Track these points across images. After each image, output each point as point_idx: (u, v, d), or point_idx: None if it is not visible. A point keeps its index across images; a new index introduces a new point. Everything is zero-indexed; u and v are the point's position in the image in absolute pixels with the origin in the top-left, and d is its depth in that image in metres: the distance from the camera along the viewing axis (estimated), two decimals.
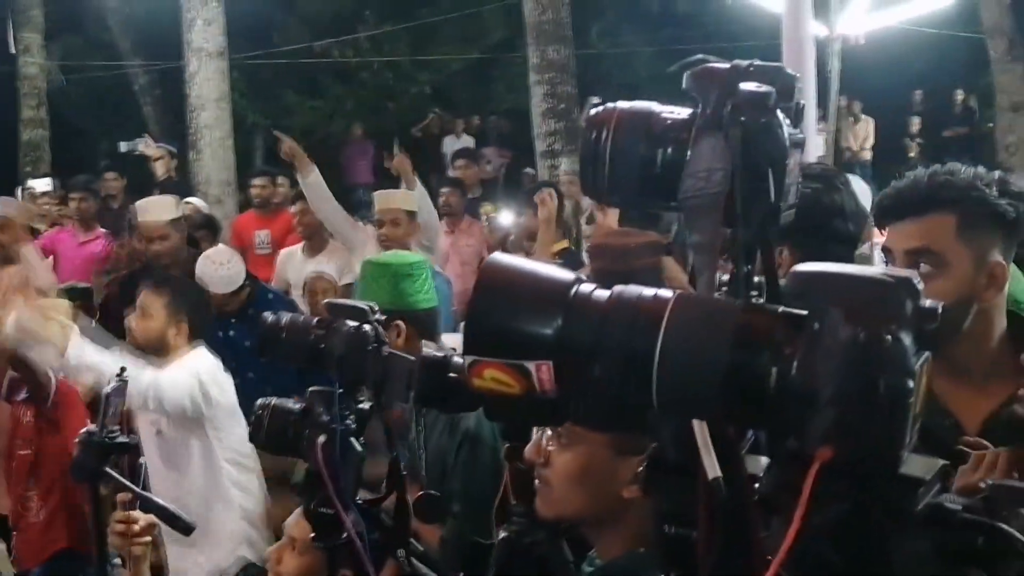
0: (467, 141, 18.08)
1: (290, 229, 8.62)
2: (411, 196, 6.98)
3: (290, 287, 7.62)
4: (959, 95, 19.28)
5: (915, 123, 19.35)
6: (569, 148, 12.25)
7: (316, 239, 7.83)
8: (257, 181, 9.81)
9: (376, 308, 2.49)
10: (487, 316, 1.13)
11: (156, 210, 6.63)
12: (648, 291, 1.12)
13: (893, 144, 18.66)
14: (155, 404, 4.43)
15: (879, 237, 3.95)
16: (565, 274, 1.16)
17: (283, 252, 8.10)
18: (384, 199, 6.92)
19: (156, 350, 4.67)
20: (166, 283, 4.89)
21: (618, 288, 1.12)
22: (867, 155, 18.24)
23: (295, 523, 3.00)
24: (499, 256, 1.16)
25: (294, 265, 7.81)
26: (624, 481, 2.03)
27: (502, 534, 2.32)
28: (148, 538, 3.30)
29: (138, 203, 6.98)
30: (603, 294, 1.13)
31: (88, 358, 4.24)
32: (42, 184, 9.50)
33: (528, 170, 14.13)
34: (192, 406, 4.53)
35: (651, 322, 1.09)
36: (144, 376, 4.32)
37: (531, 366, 1.11)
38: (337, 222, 7.38)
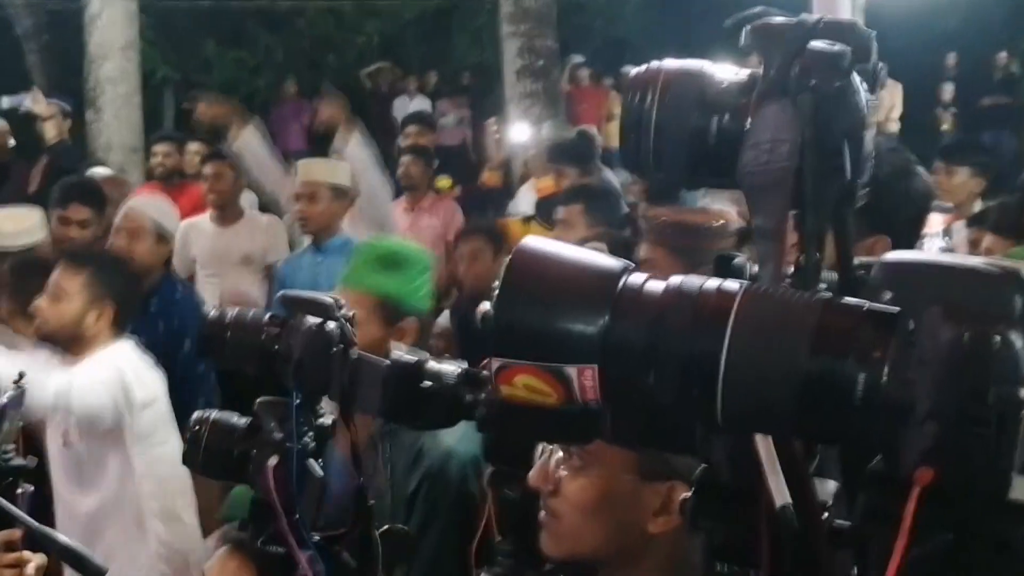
0: (422, 103, 18.05)
1: (199, 206, 8.60)
2: (339, 168, 6.95)
3: (195, 266, 7.63)
4: (1000, 58, 19.35)
5: (948, 90, 19.44)
6: (550, 113, 12.24)
7: (230, 208, 7.84)
8: (160, 147, 9.76)
9: (343, 302, 2.47)
10: (518, 311, 1.13)
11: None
12: (711, 283, 1.13)
13: (923, 114, 18.72)
14: (64, 414, 4.39)
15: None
16: (612, 262, 1.17)
17: (184, 224, 7.83)
18: (305, 169, 6.90)
19: (69, 341, 4.62)
20: (86, 260, 4.82)
21: (675, 279, 1.14)
22: (893, 126, 18.31)
23: (221, 567, 2.92)
24: (532, 239, 1.18)
25: (202, 239, 7.84)
26: (649, 511, 2.04)
27: None
28: None
29: None
30: (657, 286, 1.14)
31: None
32: None
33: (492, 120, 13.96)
34: (112, 414, 4.46)
35: (716, 321, 1.11)
36: (51, 381, 4.27)
37: (572, 371, 1.12)
38: (280, 187, 7.37)
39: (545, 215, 7.33)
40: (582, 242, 3.77)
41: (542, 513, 2.17)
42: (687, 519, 1.27)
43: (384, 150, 11.46)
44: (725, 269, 1.26)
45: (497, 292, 1.15)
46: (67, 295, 4.62)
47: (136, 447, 4.57)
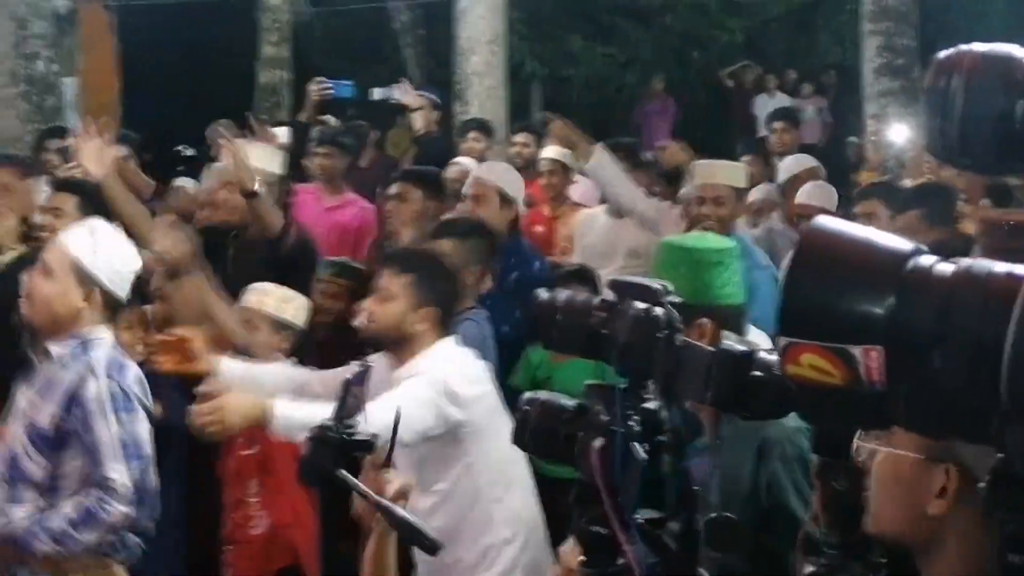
0: (783, 100, 17.88)
1: (542, 199, 8.86)
2: (738, 170, 7.01)
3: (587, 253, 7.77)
4: None
5: None
6: (907, 111, 12.01)
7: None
8: (519, 137, 10.02)
9: (671, 288, 2.50)
10: (806, 291, 1.15)
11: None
12: (1000, 267, 1.12)
13: None
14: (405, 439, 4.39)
15: None
16: (901, 243, 1.17)
17: (583, 213, 8.29)
18: (706, 172, 6.89)
19: (394, 341, 4.68)
20: (411, 262, 4.86)
21: (965, 262, 1.13)
22: None
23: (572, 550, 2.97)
24: (823, 220, 1.19)
25: (594, 229, 7.96)
26: (931, 493, 1.98)
27: (809, 569, 2.33)
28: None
29: None
30: (946, 269, 1.14)
31: (297, 418, 4.12)
32: (282, 133, 9.66)
33: (851, 139, 13.90)
34: (442, 425, 4.48)
35: (1001, 305, 1.10)
36: (374, 418, 4.25)
37: (857, 352, 1.12)
38: (630, 202, 7.44)
39: None
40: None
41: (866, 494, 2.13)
42: (983, 509, 1.26)
43: (746, 143, 11.46)
44: None
45: (786, 272, 1.17)
46: (392, 296, 4.70)
47: (472, 442, 4.62)
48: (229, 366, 4.76)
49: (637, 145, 8.96)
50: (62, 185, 6.63)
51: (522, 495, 4.83)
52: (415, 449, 4.57)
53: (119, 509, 4.31)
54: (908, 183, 8.97)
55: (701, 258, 3.84)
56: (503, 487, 4.74)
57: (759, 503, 3.71)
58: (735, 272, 3.90)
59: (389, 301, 4.70)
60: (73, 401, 4.39)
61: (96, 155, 6.31)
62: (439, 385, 4.49)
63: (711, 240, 4.12)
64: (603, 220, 7.88)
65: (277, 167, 6.65)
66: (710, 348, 2.40)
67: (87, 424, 4.35)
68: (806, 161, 9.05)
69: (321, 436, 3.18)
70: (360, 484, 3.24)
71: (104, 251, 4.57)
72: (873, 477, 2.07)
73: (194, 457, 5.57)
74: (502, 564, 4.69)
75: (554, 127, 7.80)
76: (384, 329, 4.71)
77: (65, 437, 4.38)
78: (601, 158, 7.41)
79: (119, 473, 4.31)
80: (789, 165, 9.06)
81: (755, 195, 8.39)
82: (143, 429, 4.45)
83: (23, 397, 4.55)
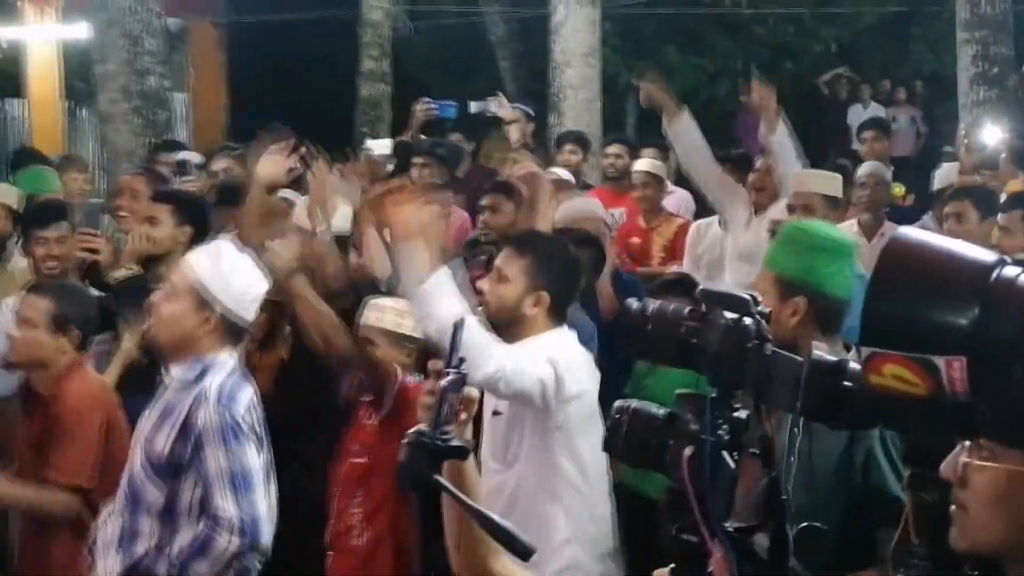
0: (876, 110, 17.74)
1: (636, 211, 8.95)
2: (832, 179, 7.00)
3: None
4: None
5: None
6: (1003, 122, 11.89)
7: None
8: (612, 149, 10.02)
9: (760, 299, 2.48)
10: (890, 301, 1.14)
11: None
12: None
13: None
14: (503, 388, 4.39)
15: None
16: (985, 255, 1.15)
17: (698, 224, 8.34)
18: (800, 180, 6.93)
19: (508, 323, 4.66)
20: (529, 245, 4.85)
21: None
22: None
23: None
24: (907, 230, 1.17)
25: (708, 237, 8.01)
26: None
27: None
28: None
29: None
30: None
31: (444, 293, 4.24)
32: (380, 145, 9.77)
33: (947, 148, 13.75)
34: (540, 401, 4.48)
35: None
36: (493, 355, 4.28)
37: (940, 362, 1.11)
38: (708, 176, 7.52)
39: None
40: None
41: (952, 507, 2.12)
42: None
43: (838, 154, 11.38)
44: None
45: (870, 282, 1.15)
46: (508, 278, 4.69)
47: (558, 434, 4.59)
48: None
49: (749, 156, 8.93)
50: (158, 195, 6.68)
51: (599, 501, 4.78)
52: (501, 421, 4.63)
53: (229, 540, 4.25)
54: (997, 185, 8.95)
55: (815, 242, 3.97)
56: (579, 486, 4.68)
57: (851, 480, 3.76)
58: (846, 267, 3.97)
59: (504, 282, 4.71)
60: (186, 429, 4.34)
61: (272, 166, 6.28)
62: (551, 365, 4.48)
63: (832, 230, 4.26)
64: (715, 230, 7.90)
65: (347, 227, 6.60)
66: (800, 359, 2.38)
67: (198, 454, 4.31)
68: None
69: (417, 442, 3.18)
70: (456, 490, 3.24)
71: (226, 274, 4.48)
72: (976, 492, 2.05)
73: (313, 454, 5.59)
74: (560, 562, 4.61)
75: (644, 87, 7.77)
76: (497, 310, 4.71)
77: (179, 465, 4.34)
78: (687, 123, 7.47)
79: (228, 504, 4.27)
80: (946, 174, 9.05)
81: None
82: (252, 459, 4.37)
83: (147, 419, 4.52)
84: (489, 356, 4.25)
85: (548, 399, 4.49)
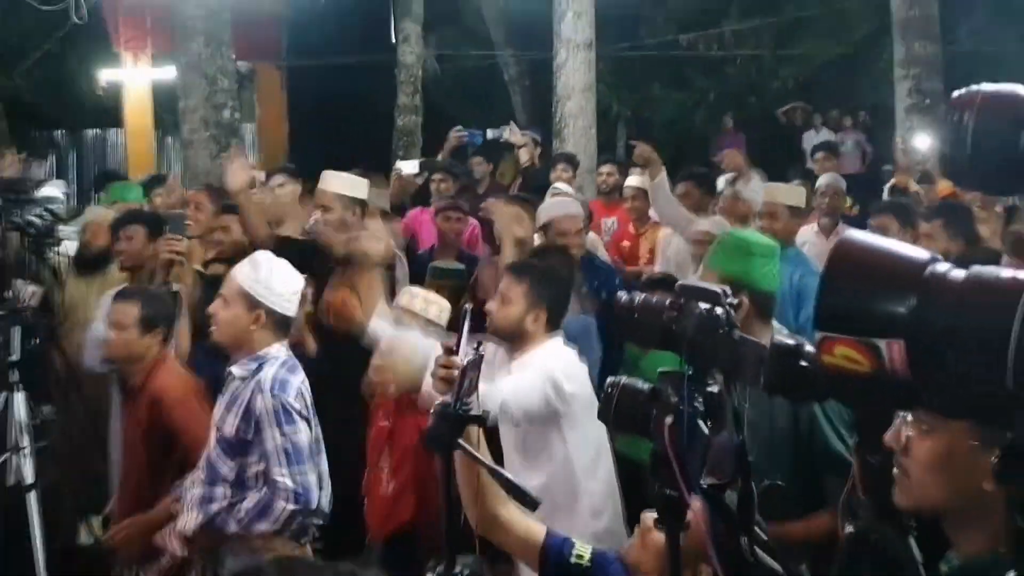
0: (827, 135, 17.73)
1: (627, 219, 8.96)
2: (794, 191, 6.98)
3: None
4: None
5: None
6: (932, 131, 11.97)
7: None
8: (605, 168, 10.12)
9: (729, 292, 2.46)
10: (840, 292, 1.12)
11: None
12: (1006, 272, 1.08)
13: None
14: (510, 416, 4.46)
15: None
16: (920, 253, 1.14)
17: (664, 232, 8.27)
18: (769, 192, 6.91)
19: (513, 337, 4.69)
20: (527, 271, 4.87)
21: (975, 268, 1.10)
22: None
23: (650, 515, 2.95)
24: (853, 232, 1.15)
25: (672, 245, 7.88)
26: (986, 473, 1.93)
27: (848, 529, 2.28)
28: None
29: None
30: (959, 274, 1.11)
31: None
32: (409, 165, 9.86)
33: (887, 167, 13.75)
34: (546, 408, 4.50)
35: (1007, 303, 1.06)
36: (494, 391, 4.32)
37: (883, 345, 1.09)
38: (678, 221, 7.45)
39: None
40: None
41: (895, 470, 2.09)
42: (994, 479, 1.21)
43: (795, 173, 11.34)
44: None
45: (823, 276, 1.14)
46: (511, 300, 4.71)
47: (571, 431, 4.58)
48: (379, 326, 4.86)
49: (709, 175, 8.88)
50: (227, 208, 6.74)
51: (606, 473, 4.74)
52: (520, 430, 4.62)
53: (284, 506, 4.35)
54: (921, 195, 8.94)
55: (749, 248, 4.05)
56: (593, 465, 4.67)
57: (798, 438, 3.81)
58: (774, 266, 4.06)
59: (508, 305, 4.71)
60: (247, 414, 4.42)
61: (236, 173, 6.39)
62: (548, 376, 4.50)
63: (760, 237, 4.30)
64: (678, 239, 7.87)
65: (361, 194, 6.57)
66: (763, 343, 2.36)
67: (258, 435, 4.40)
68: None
69: (442, 412, 3.19)
70: (475, 452, 3.23)
71: (266, 277, 4.55)
72: (916, 460, 2.02)
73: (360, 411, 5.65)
74: (590, 532, 4.51)
75: (639, 148, 7.76)
76: (503, 329, 4.72)
77: (245, 444, 4.42)
78: (662, 181, 7.47)
79: (283, 476, 4.35)
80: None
81: None
82: (302, 437, 4.44)
83: (217, 409, 4.59)
84: (492, 394, 4.27)
85: (553, 404, 4.50)
